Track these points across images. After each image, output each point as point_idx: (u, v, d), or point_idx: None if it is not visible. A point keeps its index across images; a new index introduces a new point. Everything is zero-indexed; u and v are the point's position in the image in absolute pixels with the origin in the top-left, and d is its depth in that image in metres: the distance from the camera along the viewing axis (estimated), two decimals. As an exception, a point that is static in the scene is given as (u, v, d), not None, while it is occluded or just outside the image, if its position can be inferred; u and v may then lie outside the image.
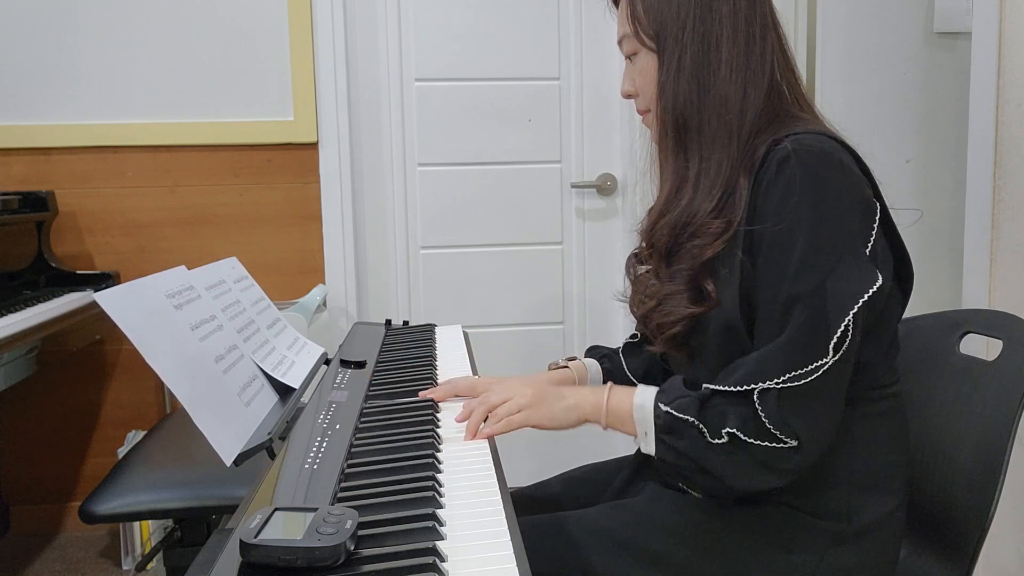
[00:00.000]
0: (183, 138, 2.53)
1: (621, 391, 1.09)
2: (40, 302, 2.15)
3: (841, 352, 0.96)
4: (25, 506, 2.60)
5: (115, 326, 0.91)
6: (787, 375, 0.96)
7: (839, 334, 0.95)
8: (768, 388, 0.96)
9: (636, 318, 1.20)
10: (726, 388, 0.99)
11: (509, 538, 0.76)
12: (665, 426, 1.02)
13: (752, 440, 0.97)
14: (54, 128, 2.49)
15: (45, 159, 2.50)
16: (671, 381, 1.09)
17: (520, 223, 2.73)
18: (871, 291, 0.95)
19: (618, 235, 2.76)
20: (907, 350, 1.29)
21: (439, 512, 0.80)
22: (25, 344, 1.94)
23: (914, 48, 2.57)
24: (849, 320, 0.95)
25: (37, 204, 2.36)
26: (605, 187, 2.73)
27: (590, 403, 1.11)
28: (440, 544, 0.73)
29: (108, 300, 0.92)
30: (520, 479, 1.43)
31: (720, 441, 0.98)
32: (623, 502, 1.17)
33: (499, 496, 0.86)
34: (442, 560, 0.71)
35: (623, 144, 2.71)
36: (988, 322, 1.22)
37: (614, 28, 1.20)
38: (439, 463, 0.95)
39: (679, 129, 1.10)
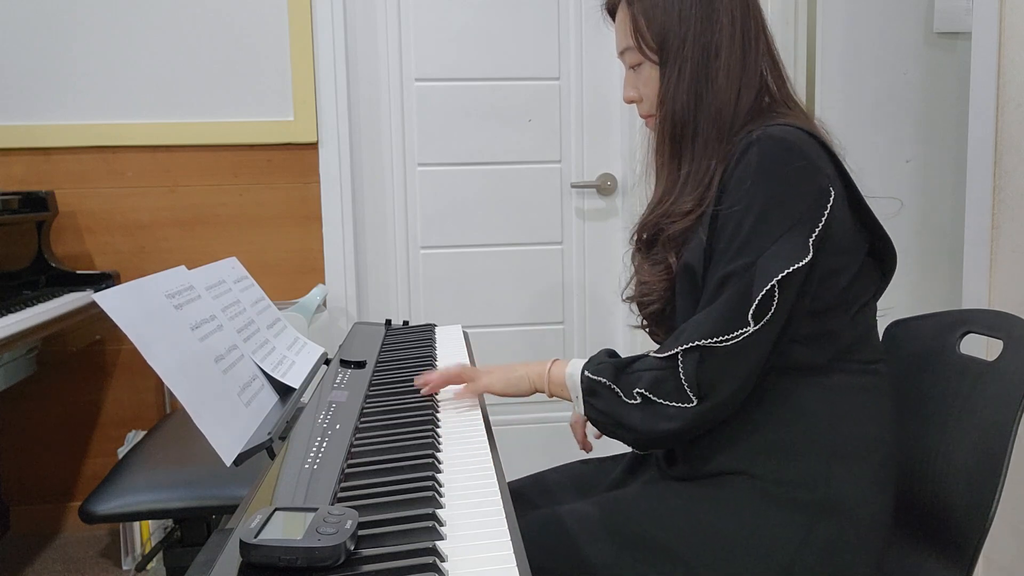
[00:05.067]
0: (183, 138, 2.53)
1: (561, 363, 1.22)
2: (40, 302, 2.15)
3: (763, 322, 1.04)
4: (25, 506, 2.60)
5: (115, 326, 0.91)
6: (712, 338, 1.04)
7: (758, 304, 1.02)
8: (691, 348, 1.05)
9: (629, 304, 1.28)
10: (659, 356, 1.09)
11: (509, 538, 0.76)
12: (587, 389, 1.15)
13: (659, 400, 1.08)
14: (54, 128, 2.49)
15: (45, 159, 2.50)
16: (599, 352, 1.21)
17: (520, 223, 2.73)
18: (793, 267, 1.02)
19: (618, 235, 2.76)
20: (907, 350, 1.29)
21: (439, 512, 0.80)
22: (25, 344, 1.95)
23: (914, 48, 2.57)
24: (768, 291, 1.02)
25: (37, 204, 2.36)
26: (605, 187, 2.73)
27: (535, 372, 1.24)
28: (440, 544, 0.73)
29: (108, 300, 0.92)
30: (519, 475, 1.43)
31: (634, 402, 1.10)
32: (615, 494, 1.20)
33: (499, 496, 0.86)
34: (442, 560, 0.71)
35: (623, 144, 2.71)
36: (988, 322, 1.22)
37: (615, 28, 1.22)
38: (439, 463, 0.95)
39: (676, 136, 1.16)
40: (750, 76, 1.14)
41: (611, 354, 1.20)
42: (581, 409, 1.17)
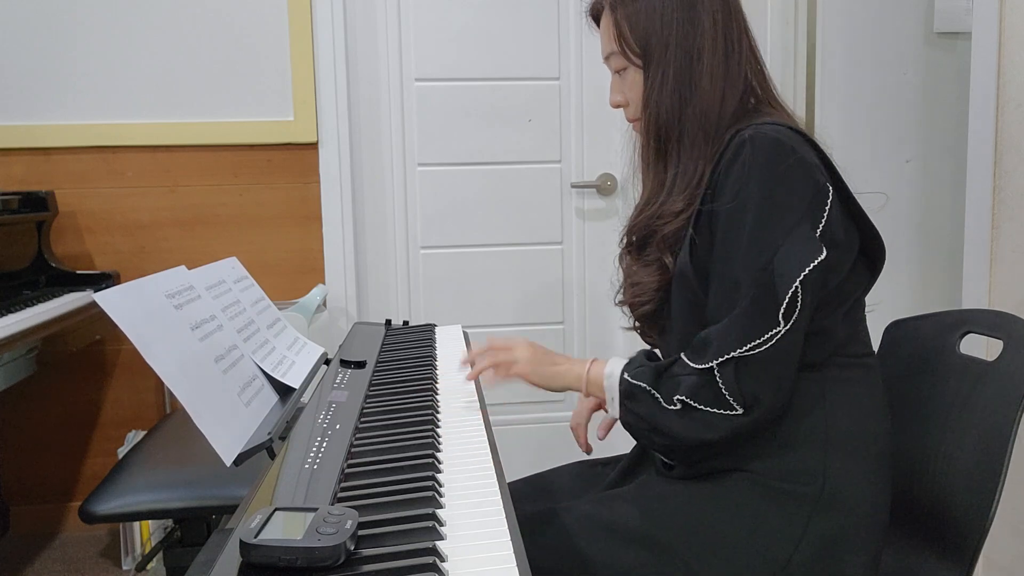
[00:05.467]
0: (183, 138, 2.53)
1: (600, 363, 1.19)
2: (40, 302, 2.15)
3: (792, 321, 1.03)
4: (25, 506, 2.60)
5: (115, 326, 0.91)
6: (745, 346, 1.03)
7: (787, 303, 1.02)
8: (727, 359, 1.04)
9: (621, 307, 1.28)
10: (694, 365, 1.07)
11: (509, 538, 0.76)
12: (625, 392, 1.13)
13: (701, 407, 1.06)
14: (54, 128, 2.49)
15: (45, 159, 2.50)
16: (638, 353, 1.19)
17: (520, 223, 2.73)
18: (813, 263, 1.02)
19: (618, 235, 2.75)
20: (907, 350, 1.29)
21: (439, 512, 0.80)
22: (25, 344, 1.94)
23: (914, 48, 2.57)
24: (795, 290, 1.02)
25: (37, 204, 2.36)
26: (605, 187, 2.73)
27: (574, 373, 1.22)
28: (440, 544, 0.73)
29: (108, 300, 0.92)
30: (519, 475, 1.43)
31: (673, 408, 1.08)
32: (613, 492, 1.21)
33: (499, 496, 0.86)
34: (442, 560, 0.71)
35: (623, 144, 2.69)
36: (988, 322, 1.22)
37: (600, 34, 1.24)
38: (439, 463, 0.95)
39: (661, 139, 1.17)
40: (734, 78, 1.15)
41: (650, 356, 1.18)
42: (616, 412, 1.15)
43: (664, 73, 1.15)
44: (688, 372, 1.07)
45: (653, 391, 1.10)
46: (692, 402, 1.06)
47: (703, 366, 1.05)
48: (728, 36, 1.15)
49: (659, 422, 1.09)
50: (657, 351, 1.24)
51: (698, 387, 1.06)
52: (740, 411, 1.04)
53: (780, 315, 1.02)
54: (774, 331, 1.02)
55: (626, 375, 1.13)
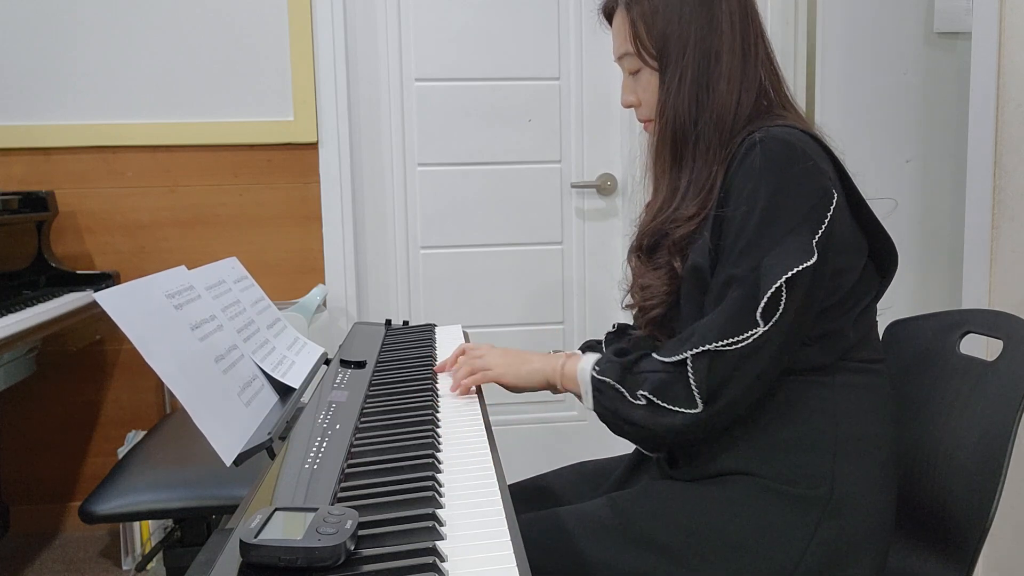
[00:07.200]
0: (183, 138, 2.53)
1: (574, 358, 1.21)
2: (40, 302, 2.15)
3: (772, 322, 1.03)
4: (25, 506, 2.60)
5: (115, 326, 0.91)
6: (723, 341, 1.03)
7: (766, 303, 1.02)
8: (701, 352, 1.04)
9: (629, 308, 1.28)
10: (666, 360, 1.08)
11: (509, 538, 0.76)
12: (595, 387, 1.15)
13: (664, 404, 1.07)
14: (54, 128, 2.49)
15: (45, 159, 2.50)
16: (608, 350, 1.23)
17: (520, 223, 2.73)
18: (800, 267, 1.01)
19: (618, 235, 2.76)
20: (907, 350, 1.29)
21: (439, 512, 0.80)
22: (25, 344, 1.95)
23: (914, 48, 2.57)
24: (776, 291, 1.01)
25: (37, 204, 2.36)
26: (605, 187, 2.73)
27: (550, 367, 1.23)
28: (440, 544, 0.73)
29: (108, 300, 0.92)
30: (519, 477, 1.43)
31: (639, 403, 1.10)
32: (617, 494, 1.20)
33: (499, 496, 0.86)
34: (442, 560, 0.71)
35: (623, 144, 2.71)
36: (988, 322, 1.22)
37: (612, 33, 1.22)
38: (439, 463, 0.95)
39: (676, 142, 1.16)
40: (750, 81, 1.14)
41: (619, 352, 1.19)
42: (590, 404, 1.16)
43: (682, 76, 1.13)
44: (656, 369, 1.09)
45: (619, 386, 1.12)
46: (656, 399, 1.08)
47: (677, 358, 1.06)
48: (745, 38, 1.14)
49: (626, 415, 1.11)
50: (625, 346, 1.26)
51: (664, 384, 1.07)
52: (699, 408, 1.05)
53: (758, 314, 1.02)
54: (752, 330, 1.03)
55: (595, 371, 1.15)
